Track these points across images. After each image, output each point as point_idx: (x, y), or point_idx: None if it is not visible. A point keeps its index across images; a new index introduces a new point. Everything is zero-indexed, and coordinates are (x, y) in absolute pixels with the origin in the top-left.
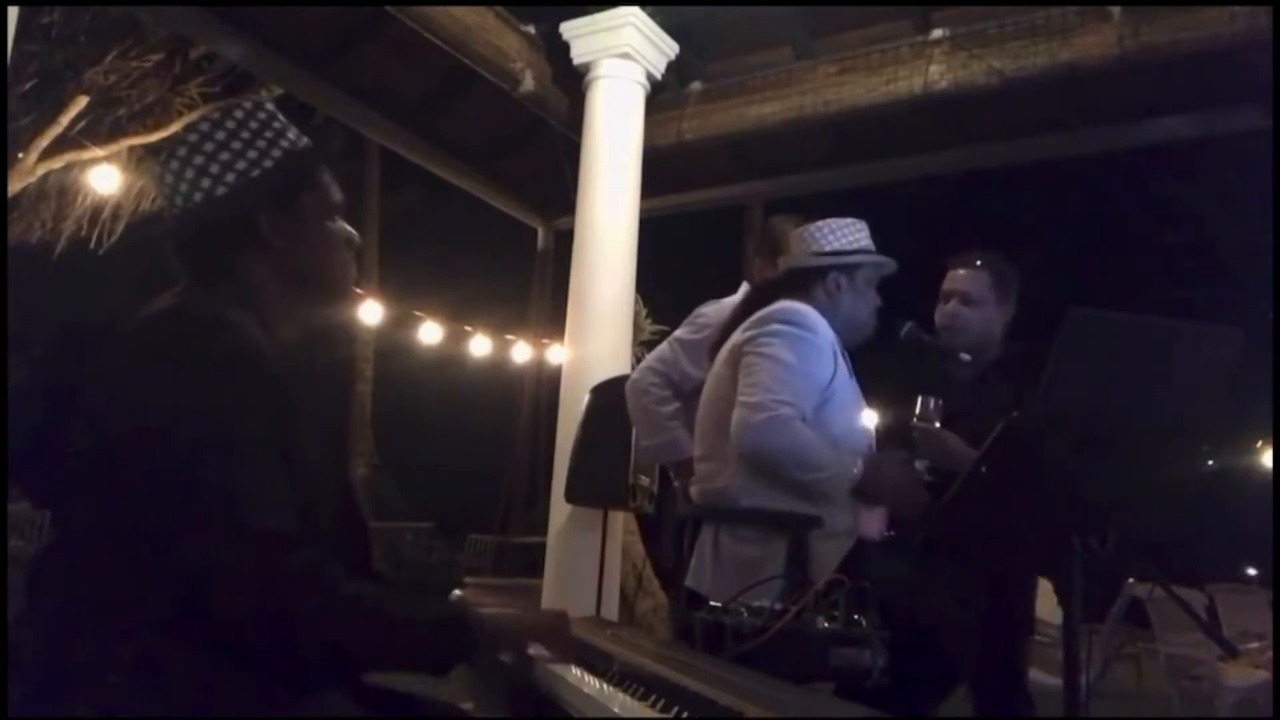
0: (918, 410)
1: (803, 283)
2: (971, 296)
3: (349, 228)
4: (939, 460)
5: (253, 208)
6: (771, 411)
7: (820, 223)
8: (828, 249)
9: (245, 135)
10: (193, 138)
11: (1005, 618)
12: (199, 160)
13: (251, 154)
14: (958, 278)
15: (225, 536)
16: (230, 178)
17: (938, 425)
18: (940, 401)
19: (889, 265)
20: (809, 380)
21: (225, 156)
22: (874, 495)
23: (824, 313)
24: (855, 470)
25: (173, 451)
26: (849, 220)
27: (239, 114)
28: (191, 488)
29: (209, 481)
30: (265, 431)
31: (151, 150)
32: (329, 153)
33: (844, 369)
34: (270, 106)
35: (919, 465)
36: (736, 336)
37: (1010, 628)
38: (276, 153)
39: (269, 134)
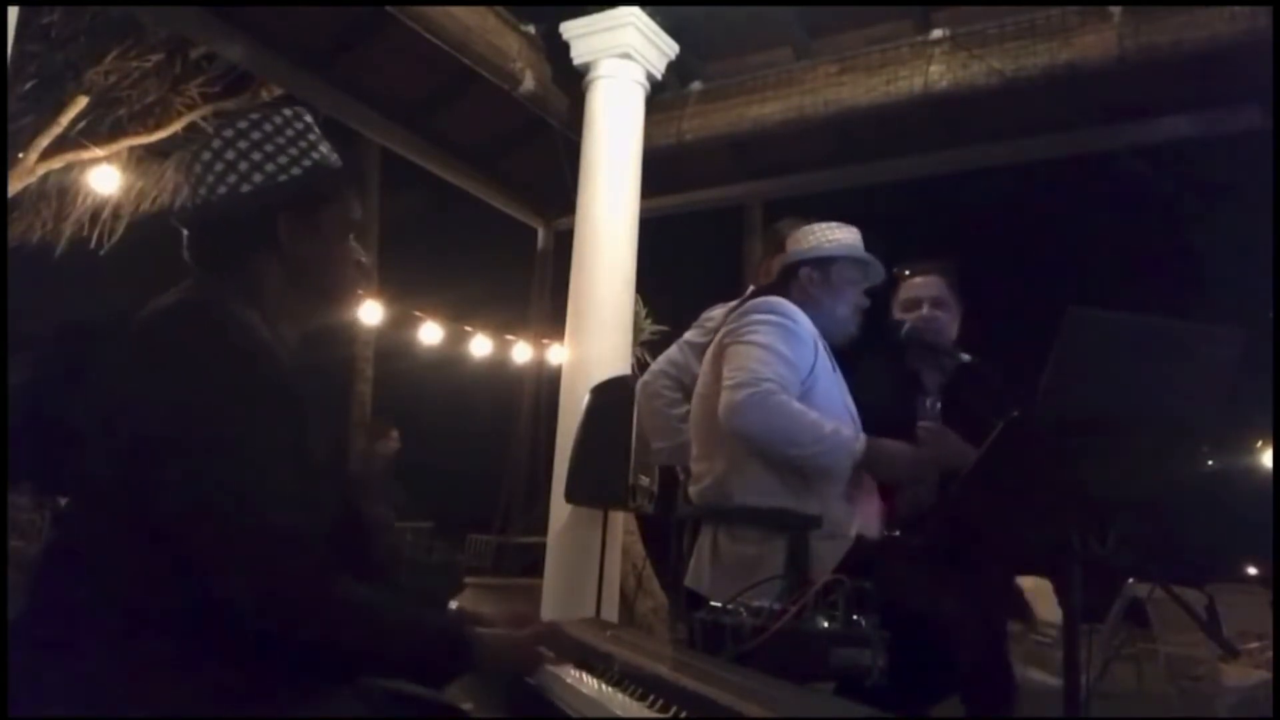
0: (921, 410)
1: (781, 284)
2: (940, 300)
3: (361, 250)
4: (944, 459)
5: (274, 209)
6: (754, 388)
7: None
8: (801, 248)
9: (280, 140)
10: (228, 133)
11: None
12: (230, 155)
13: (283, 159)
14: (921, 284)
15: (236, 536)
16: (258, 177)
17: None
18: (939, 401)
19: (873, 266)
20: (791, 364)
21: (257, 156)
22: (885, 470)
23: (802, 308)
24: (858, 445)
25: (183, 448)
26: (831, 224)
27: (278, 119)
28: (202, 485)
29: (220, 479)
30: (276, 429)
31: (152, 150)
32: (357, 174)
33: (825, 361)
34: (309, 118)
35: None
36: (719, 332)
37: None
38: (307, 162)
39: (303, 143)
